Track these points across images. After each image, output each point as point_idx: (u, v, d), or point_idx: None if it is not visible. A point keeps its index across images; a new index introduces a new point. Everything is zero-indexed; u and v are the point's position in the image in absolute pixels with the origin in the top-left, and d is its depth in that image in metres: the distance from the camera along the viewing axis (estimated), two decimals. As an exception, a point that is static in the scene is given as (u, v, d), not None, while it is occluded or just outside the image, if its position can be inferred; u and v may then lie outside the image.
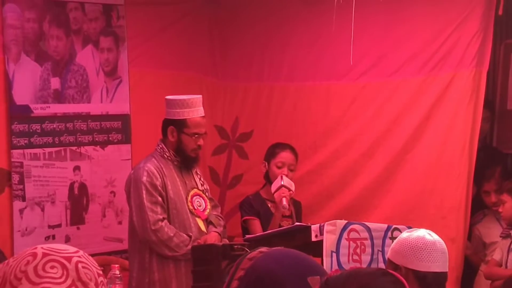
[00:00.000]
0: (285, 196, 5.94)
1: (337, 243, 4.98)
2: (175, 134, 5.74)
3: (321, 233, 5.03)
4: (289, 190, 5.98)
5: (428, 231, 3.93)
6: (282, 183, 5.98)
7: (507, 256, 5.96)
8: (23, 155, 6.20)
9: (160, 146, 5.79)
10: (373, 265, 5.05)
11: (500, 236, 6.14)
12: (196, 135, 5.74)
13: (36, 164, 6.28)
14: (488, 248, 6.37)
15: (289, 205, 6.02)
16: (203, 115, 5.88)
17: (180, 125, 5.75)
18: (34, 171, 6.26)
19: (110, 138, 6.72)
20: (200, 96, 5.99)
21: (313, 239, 5.10)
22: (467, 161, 6.18)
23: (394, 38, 6.55)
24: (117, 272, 5.15)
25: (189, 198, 5.77)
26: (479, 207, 6.57)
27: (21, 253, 1.88)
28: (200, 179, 6.00)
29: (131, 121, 6.82)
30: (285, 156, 6.23)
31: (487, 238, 6.41)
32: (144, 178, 5.61)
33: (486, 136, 6.73)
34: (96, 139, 6.64)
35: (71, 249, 1.90)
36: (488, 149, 6.70)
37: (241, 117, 7.29)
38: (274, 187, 6.02)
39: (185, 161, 5.81)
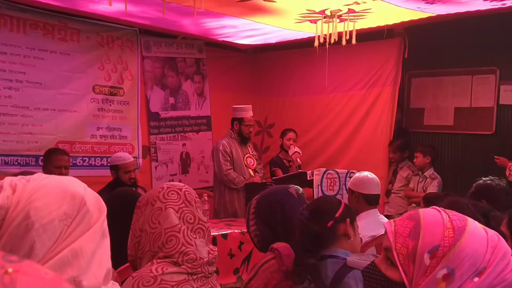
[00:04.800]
0: (298, 157, 6.06)
1: (321, 180, 5.06)
2: (237, 125, 5.90)
3: (312, 175, 5.13)
4: (299, 153, 6.09)
5: (369, 172, 3.98)
6: (296, 150, 6.10)
7: (417, 185, 5.91)
8: (156, 138, 6.39)
9: (229, 131, 5.95)
10: (340, 192, 5.09)
11: (413, 175, 6.00)
12: (249, 126, 5.93)
13: (163, 143, 6.46)
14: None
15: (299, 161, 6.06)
16: (252, 115, 6.02)
17: (240, 120, 5.90)
18: (162, 146, 6.44)
19: (201, 128, 6.87)
20: (250, 105, 6.07)
21: (308, 178, 5.19)
22: (388, 136, 6.37)
23: (349, 71, 6.68)
24: (206, 197, 5.09)
25: (244, 158, 5.90)
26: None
27: (156, 187, 1.94)
28: (251, 149, 6.09)
29: (212, 119, 6.95)
30: (291, 135, 6.30)
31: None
32: (221, 147, 5.77)
33: (401, 121, 6.62)
34: (194, 129, 6.79)
35: (181, 184, 1.96)
36: (401, 129, 6.60)
37: (269, 115, 7.43)
38: (291, 152, 6.10)
39: (243, 140, 5.93)
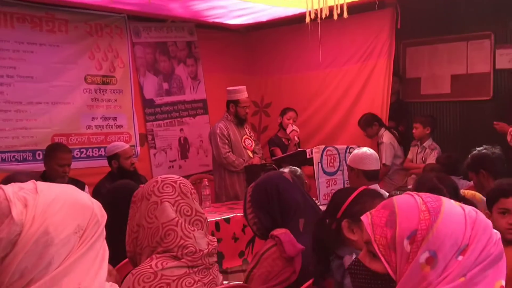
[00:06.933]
0: (296, 135, 6.18)
1: (321, 157, 5.02)
2: (233, 108, 5.87)
3: (312, 153, 5.13)
4: (297, 131, 6.20)
5: (368, 148, 4.09)
6: (293, 128, 6.21)
7: (416, 156, 5.95)
8: (152, 125, 6.38)
9: (226, 114, 5.92)
10: (340, 168, 5.09)
11: (411, 146, 6.01)
12: (245, 107, 5.91)
13: (160, 129, 6.46)
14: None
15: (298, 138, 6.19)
16: (247, 96, 5.98)
17: (236, 102, 5.87)
18: (159, 133, 6.44)
19: (197, 112, 6.85)
20: (245, 86, 6.01)
21: (308, 156, 5.29)
22: (385, 108, 6.35)
23: (342, 45, 6.68)
24: (206, 182, 5.34)
25: (242, 140, 5.90)
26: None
27: (150, 181, 1.92)
28: (248, 131, 6.07)
29: (208, 102, 6.94)
30: (291, 114, 6.36)
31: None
32: (218, 131, 5.78)
33: (399, 92, 6.65)
34: (190, 113, 6.78)
35: (175, 176, 1.92)
36: (399, 100, 6.64)
37: (265, 95, 7.44)
38: (288, 130, 6.21)
39: (239, 121, 5.91)
